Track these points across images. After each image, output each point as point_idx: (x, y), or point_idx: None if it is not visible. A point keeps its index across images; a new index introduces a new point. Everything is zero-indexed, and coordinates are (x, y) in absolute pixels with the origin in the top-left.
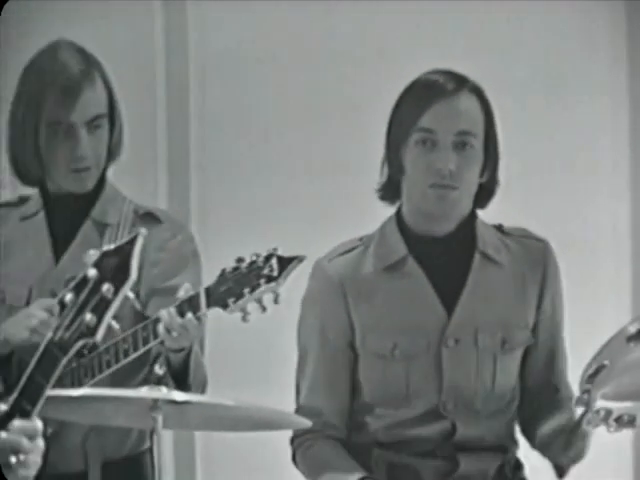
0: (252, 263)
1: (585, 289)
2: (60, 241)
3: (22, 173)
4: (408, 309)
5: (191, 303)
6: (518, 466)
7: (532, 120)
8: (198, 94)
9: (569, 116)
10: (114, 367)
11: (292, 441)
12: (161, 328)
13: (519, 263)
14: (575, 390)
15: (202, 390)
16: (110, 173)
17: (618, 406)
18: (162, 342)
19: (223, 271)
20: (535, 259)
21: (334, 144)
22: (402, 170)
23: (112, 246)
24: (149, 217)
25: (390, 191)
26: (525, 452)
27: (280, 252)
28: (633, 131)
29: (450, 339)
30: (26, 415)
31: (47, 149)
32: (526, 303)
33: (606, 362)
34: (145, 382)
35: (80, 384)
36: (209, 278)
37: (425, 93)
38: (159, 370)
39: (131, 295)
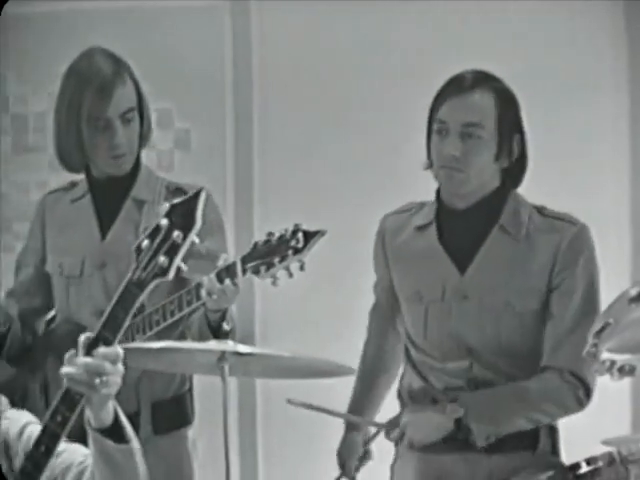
0: (281, 236)
1: None
2: (105, 219)
3: (67, 163)
4: (427, 265)
5: (228, 271)
6: None
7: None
8: (261, 94)
9: (570, 102)
10: (162, 325)
11: None
12: (203, 292)
13: (538, 238)
14: None
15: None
16: (144, 155)
17: (620, 358)
18: (203, 304)
19: (256, 243)
20: (557, 235)
21: (380, 134)
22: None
23: (180, 199)
24: (179, 191)
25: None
26: None
27: (305, 227)
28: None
29: (459, 295)
30: (108, 344)
31: (89, 141)
32: (534, 276)
33: (611, 320)
34: (181, 337)
35: (133, 339)
36: None
37: (447, 89)
38: (227, 326)
39: (197, 240)
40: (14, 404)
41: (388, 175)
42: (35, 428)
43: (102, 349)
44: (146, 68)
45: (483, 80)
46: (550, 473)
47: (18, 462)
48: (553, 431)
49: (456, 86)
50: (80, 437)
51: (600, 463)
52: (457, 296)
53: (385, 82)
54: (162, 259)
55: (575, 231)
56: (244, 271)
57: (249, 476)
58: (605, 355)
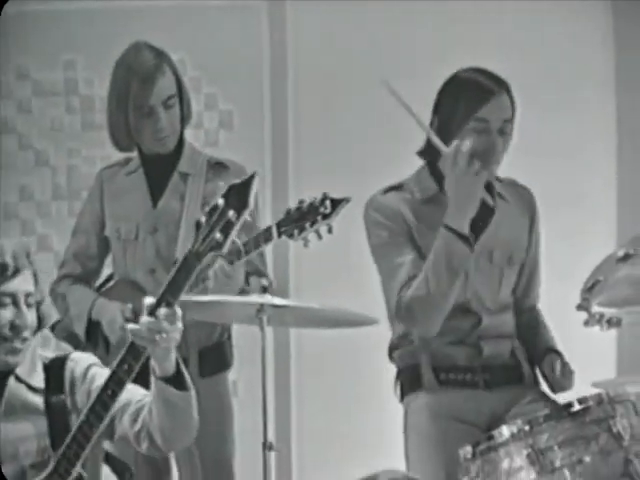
0: (311, 203)
1: (579, 223)
2: (155, 190)
3: (118, 144)
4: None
5: (265, 234)
6: (522, 349)
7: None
8: (294, 81)
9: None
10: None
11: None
12: (241, 249)
13: (517, 203)
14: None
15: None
16: (188, 134)
17: (609, 311)
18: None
19: (289, 210)
20: (525, 201)
21: (394, 120)
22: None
23: (237, 181)
24: (219, 165)
25: (428, 153)
26: None
27: (332, 195)
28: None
29: (475, 255)
30: (169, 305)
31: (135, 126)
32: (523, 231)
33: (600, 278)
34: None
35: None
36: None
37: (478, 92)
38: (265, 282)
39: (249, 219)
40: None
41: (401, 149)
42: (97, 370)
43: (163, 310)
44: (197, 58)
45: (501, 82)
46: (546, 411)
47: (79, 398)
48: (532, 365)
49: (488, 90)
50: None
51: (590, 402)
52: (473, 256)
53: (397, 68)
54: (218, 235)
55: (532, 195)
56: (279, 234)
57: (283, 411)
58: (595, 309)
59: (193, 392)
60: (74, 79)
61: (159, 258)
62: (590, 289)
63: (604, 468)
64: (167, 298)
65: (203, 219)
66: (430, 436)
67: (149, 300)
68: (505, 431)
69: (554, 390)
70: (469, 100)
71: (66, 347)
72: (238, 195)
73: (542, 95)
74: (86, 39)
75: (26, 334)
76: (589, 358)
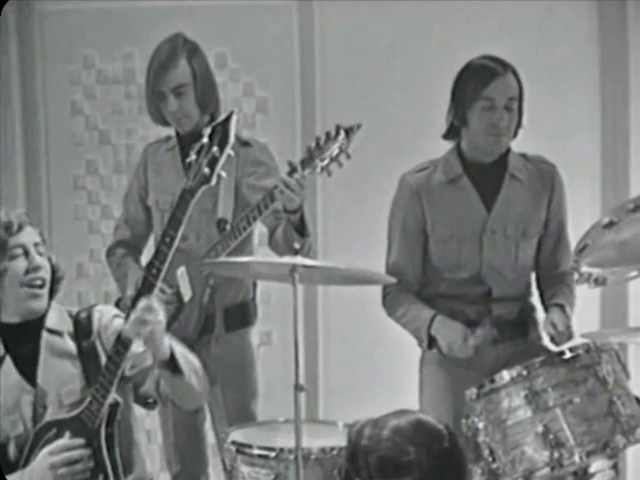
0: (327, 135)
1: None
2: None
3: (153, 117)
4: (462, 209)
5: (293, 170)
6: (532, 308)
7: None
8: (322, 71)
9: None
10: (247, 230)
11: (383, 290)
12: (277, 193)
13: (535, 179)
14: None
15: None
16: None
17: (595, 271)
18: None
19: (309, 148)
20: (546, 177)
21: (417, 104)
22: (466, 123)
23: (215, 122)
24: (245, 143)
25: (451, 134)
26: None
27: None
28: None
29: (488, 230)
30: (171, 241)
31: (157, 107)
32: (539, 207)
33: (589, 242)
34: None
35: (227, 246)
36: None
37: (484, 72)
38: (297, 245)
39: (232, 153)
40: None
41: (417, 124)
42: (120, 320)
43: (142, 303)
44: (236, 52)
45: (507, 65)
46: (542, 358)
47: (106, 343)
48: (537, 323)
49: (492, 70)
50: None
51: (580, 351)
52: (487, 231)
53: (412, 60)
54: (206, 170)
55: (555, 171)
56: (304, 169)
57: (312, 357)
58: (584, 269)
59: (187, 375)
60: (132, 69)
61: (190, 224)
62: (580, 252)
63: (591, 408)
64: (170, 233)
65: (193, 158)
66: (440, 381)
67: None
68: (505, 375)
69: (551, 341)
70: (477, 81)
71: None
72: (220, 133)
73: (533, 79)
74: (142, 34)
75: (43, 275)
76: (577, 312)
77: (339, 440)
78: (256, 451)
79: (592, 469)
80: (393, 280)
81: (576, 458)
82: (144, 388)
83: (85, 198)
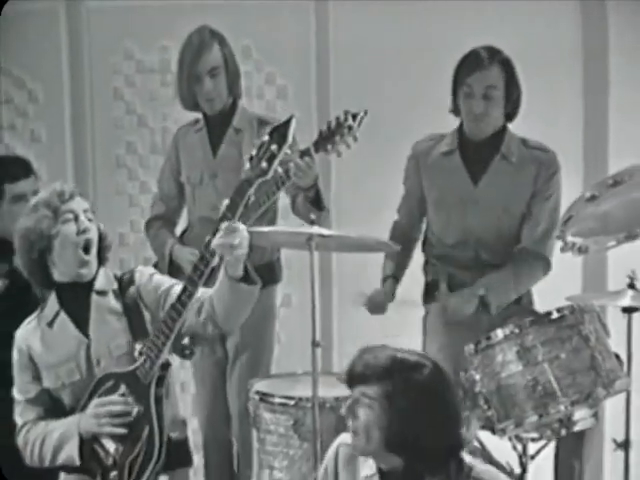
0: (337, 120)
1: None
2: (215, 142)
3: (183, 102)
4: (451, 179)
5: (305, 153)
6: None
7: None
8: (336, 64)
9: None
10: (267, 203)
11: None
12: (291, 174)
13: (526, 163)
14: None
15: (327, 213)
16: (254, 103)
17: (579, 240)
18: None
19: (321, 130)
20: (536, 161)
21: (426, 90)
22: (458, 105)
23: (278, 123)
24: (266, 122)
25: (455, 112)
26: None
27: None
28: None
29: (473, 202)
30: (229, 220)
31: (188, 90)
32: (525, 188)
33: (573, 214)
34: (271, 222)
35: (250, 217)
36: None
37: (472, 62)
38: (313, 216)
39: (289, 151)
40: None
41: (427, 107)
42: (158, 276)
43: (225, 224)
44: (260, 45)
45: (495, 55)
46: (532, 318)
47: (148, 299)
48: (530, 292)
49: (477, 61)
50: None
51: (565, 312)
52: (471, 201)
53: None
54: (264, 164)
55: (548, 157)
56: (316, 150)
57: (327, 317)
58: (569, 238)
59: (259, 285)
60: (167, 60)
61: (218, 197)
62: (565, 223)
63: (575, 362)
64: (227, 215)
65: (254, 153)
66: (441, 339)
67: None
68: (499, 333)
69: None
70: (464, 69)
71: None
72: (279, 133)
73: (523, 72)
74: (176, 29)
75: (91, 236)
76: (563, 277)
77: None
78: (277, 400)
79: (575, 417)
80: (398, 248)
81: (562, 407)
82: (189, 320)
83: (125, 175)
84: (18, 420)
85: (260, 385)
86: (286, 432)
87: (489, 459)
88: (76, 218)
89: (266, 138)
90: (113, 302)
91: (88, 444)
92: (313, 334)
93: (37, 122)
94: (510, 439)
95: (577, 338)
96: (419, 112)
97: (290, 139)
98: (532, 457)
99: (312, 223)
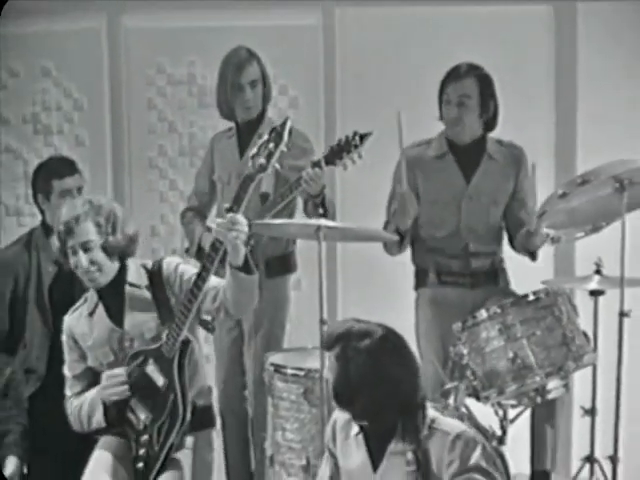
0: (346, 139)
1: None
2: (244, 147)
3: (222, 113)
4: (446, 180)
5: (316, 164)
6: (502, 260)
7: None
8: (341, 75)
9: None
10: (282, 203)
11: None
12: (302, 182)
13: (507, 160)
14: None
15: (334, 213)
16: (269, 111)
17: (552, 232)
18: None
19: (331, 147)
20: (515, 158)
21: (416, 100)
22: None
23: (275, 125)
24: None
25: (441, 118)
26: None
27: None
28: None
29: (466, 197)
30: (235, 212)
31: (231, 98)
32: (508, 181)
33: (547, 209)
34: (291, 215)
35: (265, 215)
36: None
37: (452, 74)
38: (321, 209)
39: (285, 149)
40: None
41: (421, 111)
42: (183, 266)
43: (229, 215)
44: (274, 62)
45: (472, 70)
46: (510, 299)
47: (174, 287)
48: (505, 272)
49: (456, 74)
50: None
51: (541, 294)
52: (465, 197)
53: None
54: (262, 161)
55: (522, 153)
56: (326, 163)
57: (332, 299)
58: (544, 230)
59: (257, 276)
60: (194, 74)
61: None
62: (540, 216)
63: (549, 339)
64: (233, 207)
65: (254, 151)
66: (431, 318)
67: (225, 209)
68: (484, 313)
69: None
70: (445, 81)
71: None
72: (276, 133)
73: (502, 80)
74: (201, 47)
75: (84, 265)
76: (536, 264)
77: None
78: (289, 371)
79: (549, 387)
80: (396, 237)
81: (537, 378)
82: (206, 306)
83: (157, 174)
84: (67, 392)
85: (274, 358)
86: (297, 399)
87: (474, 423)
88: (74, 252)
89: (265, 137)
90: (144, 291)
91: (114, 410)
92: (320, 313)
93: (81, 128)
94: (492, 405)
95: (551, 318)
96: (416, 121)
97: (286, 138)
98: (511, 421)
99: (320, 216)
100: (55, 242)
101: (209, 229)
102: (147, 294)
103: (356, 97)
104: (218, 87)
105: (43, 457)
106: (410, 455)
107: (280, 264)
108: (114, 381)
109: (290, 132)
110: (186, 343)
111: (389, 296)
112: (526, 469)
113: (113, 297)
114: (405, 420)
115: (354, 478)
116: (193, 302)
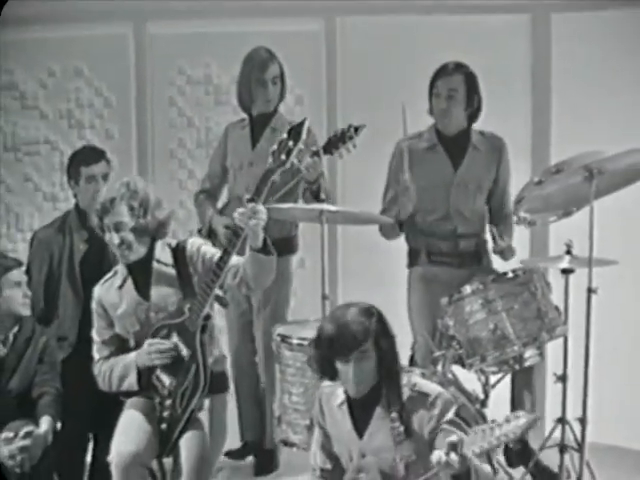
0: (342, 131)
1: None
2: (256, 138)
3: (242, 104)
4: (436, 168)
5: (315, 154)
6: (485, 242)
7: None
8: (342, 79)
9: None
10: (285, 188)
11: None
12: (302, 168)
13: (489, 149)
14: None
15: (333, 199)
16: (282, 106)
17: (528, 216)
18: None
19: (329, 137)
20: (496, 148)
21: (417, 93)
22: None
23: (295, 124)
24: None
25: (430, 111)
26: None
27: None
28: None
29: (455, 184)
30: (256, 201)
31: (254, 91)
32: (491, 169)
33: (524, 195)
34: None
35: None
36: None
37: (441, 71)
38: (323, 196)
39: (302, 146)
40: None
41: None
42: (205, 247)
43: (250, 205)
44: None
45: (459, 68)
46: (492, 276)
47: (197, 266)
48: (488, 253)
49: (445, 71)
50: None
51: (519, 272)
52: (454, 185)
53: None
54: (283, 156)
55: (503, 143)
56: (324, 152)
57: (334, 275)
58: (521, 214)
59: (274, 256)
60: (209, 74)
61: (253, 181)
62: (518, 202)
63: (526, 312)
64: (254, 198)
65: (275, 148)
66: (422, 293)
67: (245, 199)
68: (468, 288)
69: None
70: (435, 76)
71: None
72: (295, 132)
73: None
74: (216, 50)
75: (116, 241)
76: (515, 245)
77: None
78: (295, 340)
79: (526, 355)
80: (391, 220)
81: (515, 347)
82: (227, 282)
83: (177, 164)
84: (95, 355)
85: (281, 329)
86: (302, 366)
87: (460, 387)
88: (109, 230)
89: (285, 136)
90: (169, 268)
91: (145, 375)
92: (322, 289)
93: (110, 123)
94: (476, 372)
95: (527, 293)
96: (410, 116)
97: (304, 137)
98: (493, 386)
99: (323, 201)
100: (94, 218)
101: (220, 212)
102: (172, 271)
103: (355, 96)
104: (240, 82)
105: (74, 416)
106: (394, 414)
107: (284, 245)
108: (160, 347)
109: (308, 131)
110: (207, 318)
111: (386, 272)
112: None
113: (141, 272)
114: (389, 385)
115: (344, 444)
116: (215, 281)
